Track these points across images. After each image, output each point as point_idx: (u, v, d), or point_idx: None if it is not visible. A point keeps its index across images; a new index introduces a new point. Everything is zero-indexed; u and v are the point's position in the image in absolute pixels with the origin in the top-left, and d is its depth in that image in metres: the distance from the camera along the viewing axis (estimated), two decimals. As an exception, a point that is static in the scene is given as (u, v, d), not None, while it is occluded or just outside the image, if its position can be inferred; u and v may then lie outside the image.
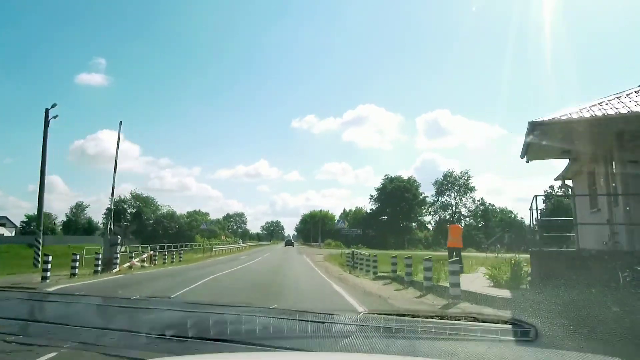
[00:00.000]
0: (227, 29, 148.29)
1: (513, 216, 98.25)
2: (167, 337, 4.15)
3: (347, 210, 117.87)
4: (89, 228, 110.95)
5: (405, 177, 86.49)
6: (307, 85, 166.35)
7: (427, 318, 5.54)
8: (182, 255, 27.81)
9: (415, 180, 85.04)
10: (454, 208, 78.79)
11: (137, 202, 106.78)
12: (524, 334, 4.35)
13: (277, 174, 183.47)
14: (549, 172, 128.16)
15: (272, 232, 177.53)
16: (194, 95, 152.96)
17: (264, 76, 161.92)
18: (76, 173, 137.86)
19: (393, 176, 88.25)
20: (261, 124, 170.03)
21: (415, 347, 4.05)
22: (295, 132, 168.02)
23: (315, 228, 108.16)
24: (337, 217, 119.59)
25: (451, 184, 78.61)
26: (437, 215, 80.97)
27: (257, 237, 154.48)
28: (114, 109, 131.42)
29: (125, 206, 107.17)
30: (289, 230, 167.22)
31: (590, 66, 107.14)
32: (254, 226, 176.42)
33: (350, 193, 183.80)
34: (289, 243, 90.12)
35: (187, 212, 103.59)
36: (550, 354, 3.98)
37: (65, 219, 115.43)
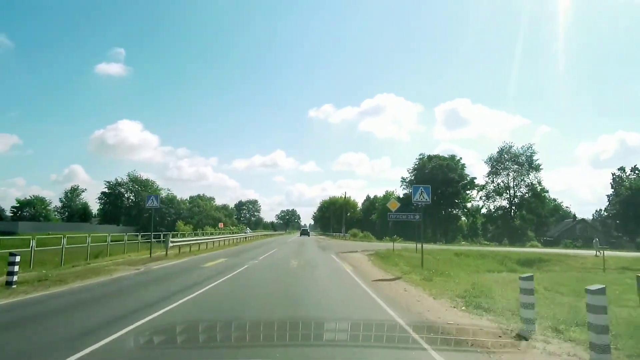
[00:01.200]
0: (244, 20, 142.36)
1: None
2: None
3: (372, 197, 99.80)
4: (85, 214, 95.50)
5: (447, 155, 67.91)
6: (324, 74, 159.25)
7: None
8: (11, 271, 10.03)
9: (460, 158, 66.37)
10: (512, 192, 59.97)
11: (136, 186, 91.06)
12: None
13: (294, 164, 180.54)
14: (571, 163, 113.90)
15: (288, 221, 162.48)
16: (211, 86, 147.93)
17: (281, 66, 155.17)
18: (96, 162, 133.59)
19: (432, 154, 69.85)
20: (278, 113, 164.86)
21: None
22: (311, 122, 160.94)
23: (338, 216, 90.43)
24: (359, 205, 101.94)
25: (509, 161, 59.73)
26: (489, 201, 62.22)
27: (272, 227, 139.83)
28: (132, 99, 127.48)
29: (123, 190, 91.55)
30: (306, 220, 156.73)
31: (607, 52, 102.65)
32: (270, 216, 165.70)
33: (366, 184, 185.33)
34: (304, 233, 79.11)
35: (190, 197, 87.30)
36: None
37: (60, 205, 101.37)
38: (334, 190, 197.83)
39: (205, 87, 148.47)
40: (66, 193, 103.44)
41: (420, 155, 71.97)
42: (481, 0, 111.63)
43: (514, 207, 58.86)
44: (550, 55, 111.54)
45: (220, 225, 45.82)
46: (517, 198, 59.21)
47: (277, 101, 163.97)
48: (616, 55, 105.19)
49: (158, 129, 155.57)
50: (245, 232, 59.93)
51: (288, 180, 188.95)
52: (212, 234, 41.73)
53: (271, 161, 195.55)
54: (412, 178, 70.84)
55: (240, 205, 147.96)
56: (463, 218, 65.43)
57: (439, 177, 64.46)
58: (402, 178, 73.78)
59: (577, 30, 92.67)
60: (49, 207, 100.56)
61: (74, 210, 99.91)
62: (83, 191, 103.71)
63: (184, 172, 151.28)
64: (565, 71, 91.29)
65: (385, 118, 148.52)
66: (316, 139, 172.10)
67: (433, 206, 67.15)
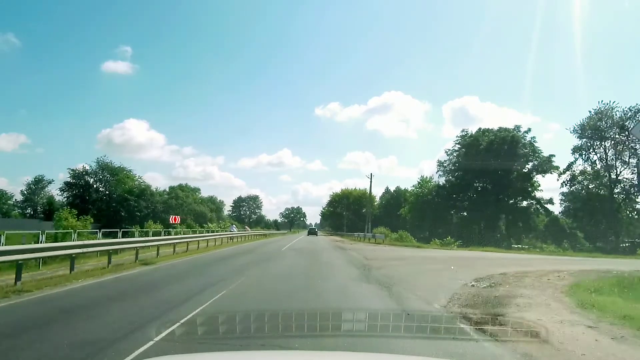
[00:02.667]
0: (250, 18, 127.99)
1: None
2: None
3: (394, 189, 79.75)
4: (51, 210, 75.88)
5: (511, 126, 47.62)
6: (330, 71, 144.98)
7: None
8: None
9: (528, 129, 46.19)
10: (613, 174, 39.73)
11: (106, 175, 71.58)
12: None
13: (300, 163, 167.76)
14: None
15: (293, 219, 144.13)
16: (217, 84, 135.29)
17: (287, 64, 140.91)
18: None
19: (483, 128, 49.86)
20: (284, 112, 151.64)
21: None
22: (318, 120, 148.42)
23: (354, 211, 71.23)
24: (377, 199, 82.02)
25: (611, 128, 39.48)
26: (578, 187, 42.00)
27: (275, 225, 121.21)
28: (139, 98, 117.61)
29: (91, 180, 71.85)
30: (311, 220, 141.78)
31: (621, 50, 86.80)
32: (276, 215, 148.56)
33: (373, 183, 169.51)
34: (312, 232, 67.88)
35: (170, 188, 67.84)
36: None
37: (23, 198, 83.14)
38: (340, 190, 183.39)
39: (211, 85, 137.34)
40: (28, 185, 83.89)
41: (462, 132, 52.01)
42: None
43: (621, 195, 38.72)
44: (563, 52, 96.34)
45: (174, 219, 26.43)
46: (620, 184, 38.96)
47: (283, 99, 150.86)
48: (631, 51, 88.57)
49: (164, 127, 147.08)
50: (232, 231, 40.73)
51: (294, 179, 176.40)
52: (155, 234, 22.45)
53: (277, 160, 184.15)
54: (457, 160, 50.96)
55: (239, 202, 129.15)
56: (553, 210, 44.97)
57: (500, 155, 44.60)
58: (439, 162, 53.70)
59: (592, 27, 79.48)
60: (11, 202, 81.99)
61: (37, 205, 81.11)
62: (50, 182, 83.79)
63: (190, 171, 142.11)
64: (578, 68, 77.83)
65: (393, 116, 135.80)
66: (322, 138, 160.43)
67: (488, 197, 47.29)
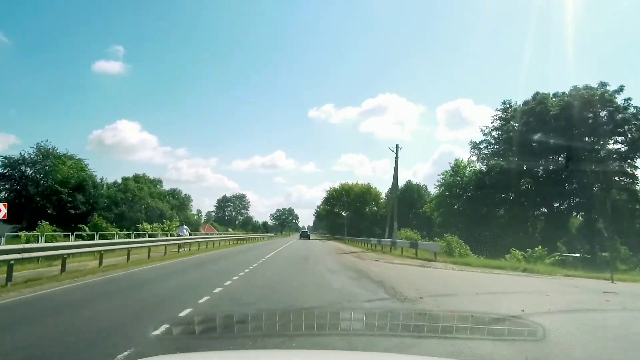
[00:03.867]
0: (245, 19, 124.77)
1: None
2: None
3: (403, 185, 64.29)
4: (-13, 207, 58.57)
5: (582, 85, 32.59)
6: (325, 73, 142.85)
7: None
8: None
9: (621, 87, 31.25)
10: None
11: (49, 163, 55.20)
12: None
13: (294, 165, 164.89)
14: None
15: (284, 221, 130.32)
16: (211, 85, 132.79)
17: (281, 65, 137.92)
18: (96, 163, 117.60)
19: (541, 92, 34.83)
20: (278, 113, 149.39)
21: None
22: (312, 122, 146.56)
23: (356, 210, 56.11)
24: (383, 194, 66.61)
25: None
26: None
27: (264, 228, 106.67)
28: (131, 98, 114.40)
29: (29, 170, 55.26)
30: (305, 222, 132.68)
31: (614, 52, 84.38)
32: (268, 218, 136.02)
33: (372, 182, 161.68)
34: (304, 235, 60.87)
35: (123, 178, 51.72)
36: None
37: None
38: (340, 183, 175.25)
39: (205, 86, 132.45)
40: (-42, 178, 66.01)
41: (504, 102, 37.30)
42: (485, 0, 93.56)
43: None
44: (558, 54, 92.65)
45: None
46: None
47: (277, 101, 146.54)
48: (628, 51, 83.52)
49: (157, 129, 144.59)
50: (180, 235, 25.19)
51: (288, 181, 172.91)
52: None
53: (271, 162, 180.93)
54: (504, 137, 36.02)
55: (224, 202, 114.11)
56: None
57: (583, 126, 29.71)
58: (472, 142, 38.63)
59: (588, 28, 75.02)
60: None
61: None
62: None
63: (183, 172, 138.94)
64: (573, 70, 70.63)
65: (387, 119, 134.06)
66: (316, 140, 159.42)
67: (560, 183, 32.29)
